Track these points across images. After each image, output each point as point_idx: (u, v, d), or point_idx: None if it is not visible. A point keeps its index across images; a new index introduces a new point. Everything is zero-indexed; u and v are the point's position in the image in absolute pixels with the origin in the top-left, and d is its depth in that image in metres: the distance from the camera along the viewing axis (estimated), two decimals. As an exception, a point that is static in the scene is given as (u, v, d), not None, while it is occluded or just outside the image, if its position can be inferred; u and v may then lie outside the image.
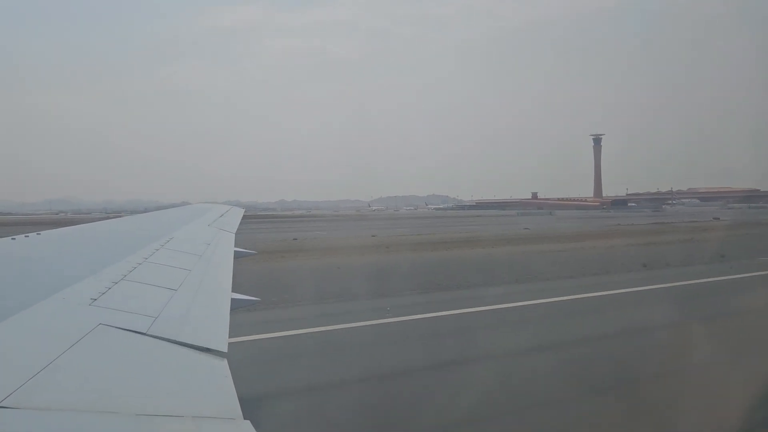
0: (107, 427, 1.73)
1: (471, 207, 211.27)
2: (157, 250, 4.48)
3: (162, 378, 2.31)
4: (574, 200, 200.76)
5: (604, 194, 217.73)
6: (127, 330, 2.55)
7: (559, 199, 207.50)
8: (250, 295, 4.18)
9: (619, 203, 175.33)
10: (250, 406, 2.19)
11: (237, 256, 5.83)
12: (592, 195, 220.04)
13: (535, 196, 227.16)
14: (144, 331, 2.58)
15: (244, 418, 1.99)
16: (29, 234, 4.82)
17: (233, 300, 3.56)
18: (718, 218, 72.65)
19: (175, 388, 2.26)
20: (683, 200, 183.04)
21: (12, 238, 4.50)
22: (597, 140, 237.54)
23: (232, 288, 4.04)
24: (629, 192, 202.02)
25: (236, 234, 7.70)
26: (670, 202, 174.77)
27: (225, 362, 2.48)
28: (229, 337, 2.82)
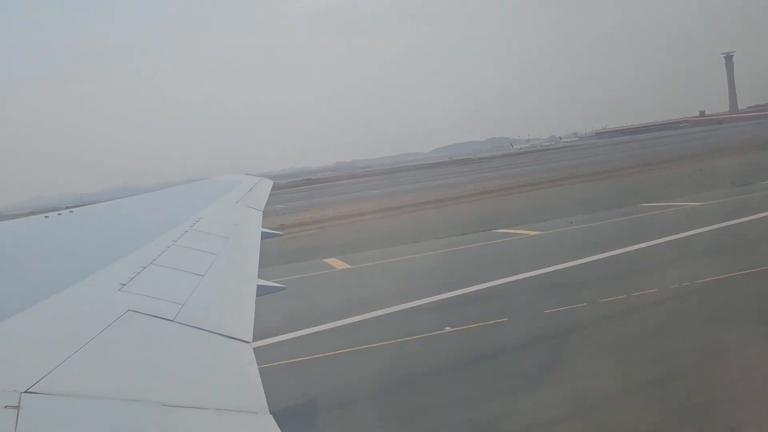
0: (133, 415, 1.76)
1: (610, 135, 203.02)
2: (186, 231, 4.51)
3: (188, 367, 2.33)
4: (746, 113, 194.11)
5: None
6: (155, 317, 2.58)
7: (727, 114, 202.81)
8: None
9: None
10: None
11: (264, 237, 5.85)
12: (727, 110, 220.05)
13: (702, 114, 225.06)
14: (171, 318, 2.62)
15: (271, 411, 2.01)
16: (62, 211, 4.90)
17: (258, 286, 3.59)
18: None
19: (200, 378, 2.29)
20: None
21: (45, 216, 4.58)
22: (728, 57, 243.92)
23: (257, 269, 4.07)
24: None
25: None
26: None
27: (251, 353, 2.50)
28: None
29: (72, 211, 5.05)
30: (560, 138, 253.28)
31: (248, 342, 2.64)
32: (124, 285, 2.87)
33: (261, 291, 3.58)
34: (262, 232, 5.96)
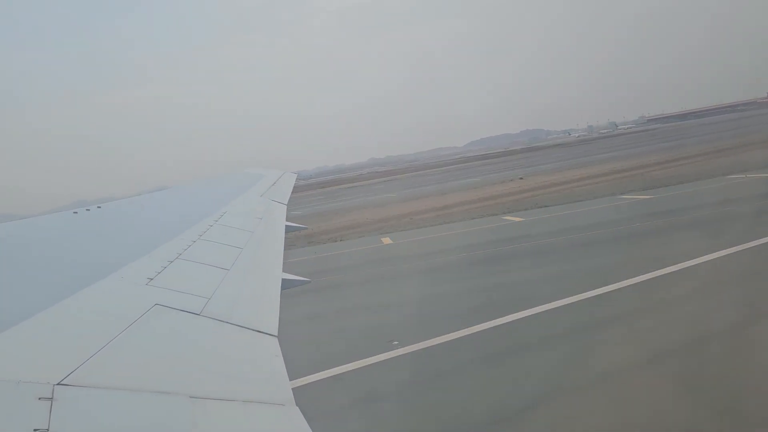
0: (163, 407, 1.80)
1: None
2: (211, 226, 4.58)
3: (215, 361, 2.37)
4: None
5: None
6: (182, 311, 2.62)
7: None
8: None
9: None
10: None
11: (288, 230, 5.91)
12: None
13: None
14: (198, 312, 2.66)
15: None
16: (90, 207, 4.99)
17: (284, 280, 3.63)
18: None
19: (227, 371, 2.32)
20: None
21: (74, 212, 4.67)
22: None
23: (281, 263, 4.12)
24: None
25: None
26: None
27: (277, 346, 2.53)
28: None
29: (100, 207, 5.15)
30: (617, 125, 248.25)
31: (274, 335, 2.67)
32: (151, 279, 2.92)
33: (286, 285, 3.62)
34: (287, 226, 6.02)
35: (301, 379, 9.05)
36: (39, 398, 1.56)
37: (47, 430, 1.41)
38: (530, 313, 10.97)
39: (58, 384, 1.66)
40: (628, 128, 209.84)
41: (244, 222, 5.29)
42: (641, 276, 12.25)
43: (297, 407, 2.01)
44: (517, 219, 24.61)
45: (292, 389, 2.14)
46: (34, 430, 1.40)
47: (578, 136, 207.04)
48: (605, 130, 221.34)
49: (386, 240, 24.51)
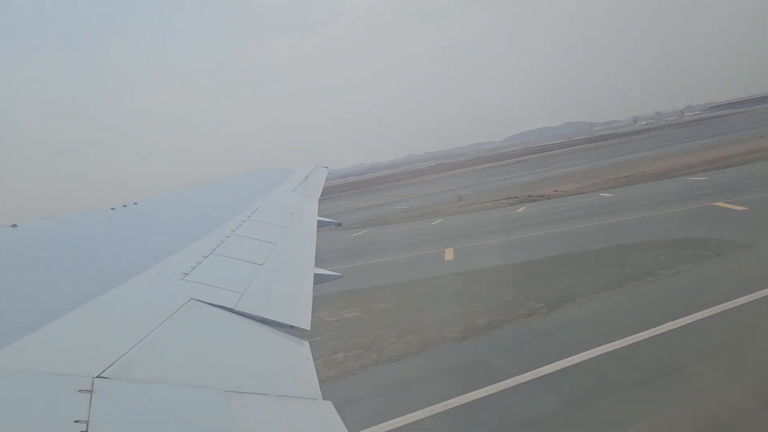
0: (198, 401, 1.82)
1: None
2: (244, 221, 4.63)
3: (248, 355, 2.40)
4: None
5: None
6: (217, 306, 2.66)
7: None
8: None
9: None
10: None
11: (320, 225, 5.94)
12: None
13: None
14: (232, 307, 2.69)
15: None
16: (127, 203, 5.09)
17: (316, 275, 3.65)
18: None
19: (261, 364, 2.35)
20: None
21: (112, 208, 4.76)
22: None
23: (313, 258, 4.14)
24: None
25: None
26: None
27: (306, 343, 2.55)
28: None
29: (136, 204, 5.25)
30: (683, 113, 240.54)
31: (307, 329, 2.69)
32: (187, 274, 2.97)
33: (318, 279, 3.65)
34: (319, 221, 6.04)
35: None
36: (79, 390, 1.59)
37: (87, 422, 1.44)
38: None
39: (97, 377, 1.70)
40: (694, 115, 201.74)
41: (277, 217, 5.33)
42: None
43: (329, 401, 2.02)
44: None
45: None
46: (74, 421, 1.43)
47: (645, 124, 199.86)
48: (672, 118, 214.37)
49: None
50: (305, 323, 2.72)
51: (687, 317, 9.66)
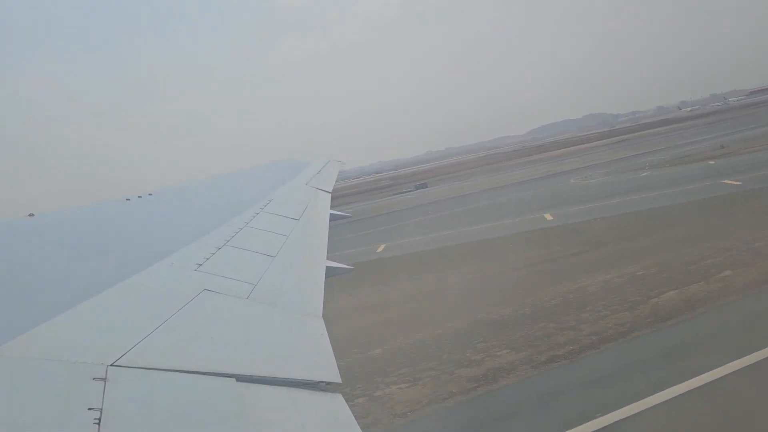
0: (212, 388, 1.84)
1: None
2: (257, 214, 4.64)
3: (260, 344, 2.41)
4: None
5: None
6: (229, 296, 2.68)
7: None
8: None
9: None
10: None
11: (332, 219, 5.93)
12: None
13: None
14: (244, 298, 2.71)
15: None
16: (141, 195, 5.13)
17: (327, 268, 3.65)
18: None
19: (274, 352, 2.36)
20: None
21: (127, 199, 4.80)
22: None
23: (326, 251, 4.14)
24: None
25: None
26: None
27: (323, 326, 2.56)
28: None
29: (151, 194, 5.28)
30: (725, 99, 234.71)
31: (319, 318, 2.71)
32: (200, 265, 2.99)
33: (330, 272, 3.65)
34: (331, 214, 6.05)
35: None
36: (93, 378, 1.61)
37: (101, 409, 1.46)
38: None
39: (111, 365, 1.72)
40: (738, 100, 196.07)
41: (289, 210, 5.33)
42: None
43: (340, 394, 2.03)
44: None
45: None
46: (89, 408, 1.45)
47: (690, 110, 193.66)
48: (717, 104, 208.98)
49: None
50: (317, 314, 2.74)
51: None
